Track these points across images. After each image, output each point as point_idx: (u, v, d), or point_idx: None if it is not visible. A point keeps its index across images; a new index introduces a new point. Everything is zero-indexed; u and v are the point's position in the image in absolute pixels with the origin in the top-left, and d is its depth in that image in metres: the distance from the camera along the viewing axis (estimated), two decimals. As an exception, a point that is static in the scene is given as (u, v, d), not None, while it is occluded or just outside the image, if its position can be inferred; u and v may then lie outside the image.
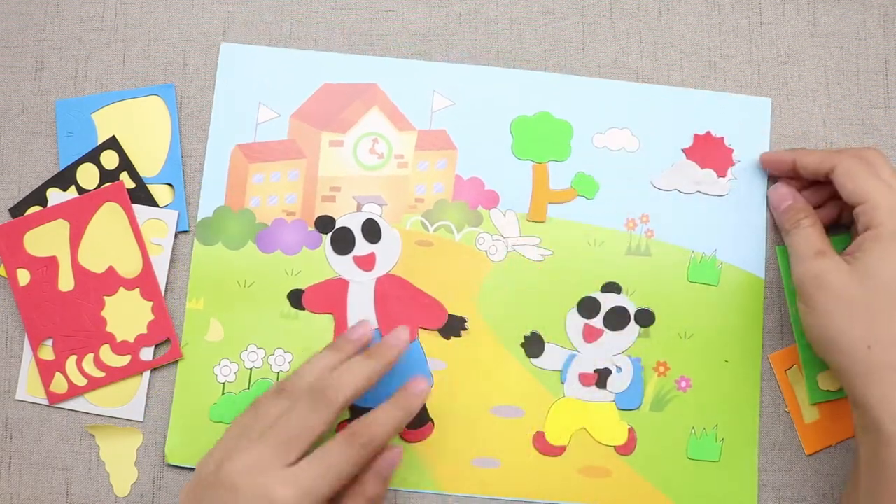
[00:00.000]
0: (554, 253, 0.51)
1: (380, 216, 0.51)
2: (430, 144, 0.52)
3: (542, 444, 0.50)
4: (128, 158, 0.51)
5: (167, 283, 0.50)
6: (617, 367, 0.50)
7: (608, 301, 0.51)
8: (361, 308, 0.50)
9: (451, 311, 0.50)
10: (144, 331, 0.49)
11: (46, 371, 0.49)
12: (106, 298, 0.49)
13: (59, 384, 0.49)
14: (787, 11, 0.54)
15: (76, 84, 0.52)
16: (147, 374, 0.49)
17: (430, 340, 0.50)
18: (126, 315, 0.49)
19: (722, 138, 0.52)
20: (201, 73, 0.52)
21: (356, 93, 0.52)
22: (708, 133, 0.52)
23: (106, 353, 0.49)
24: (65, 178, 0.50)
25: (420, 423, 0.49)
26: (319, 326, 0.50)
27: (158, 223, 0.50)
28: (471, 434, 0.50)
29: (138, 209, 0.50)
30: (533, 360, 0.50)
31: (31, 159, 0.51)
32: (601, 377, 0.50)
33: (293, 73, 0.52)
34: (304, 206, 0.51)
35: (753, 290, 0.51)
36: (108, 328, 0.49)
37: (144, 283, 0.49)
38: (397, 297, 0.50)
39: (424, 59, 0.53)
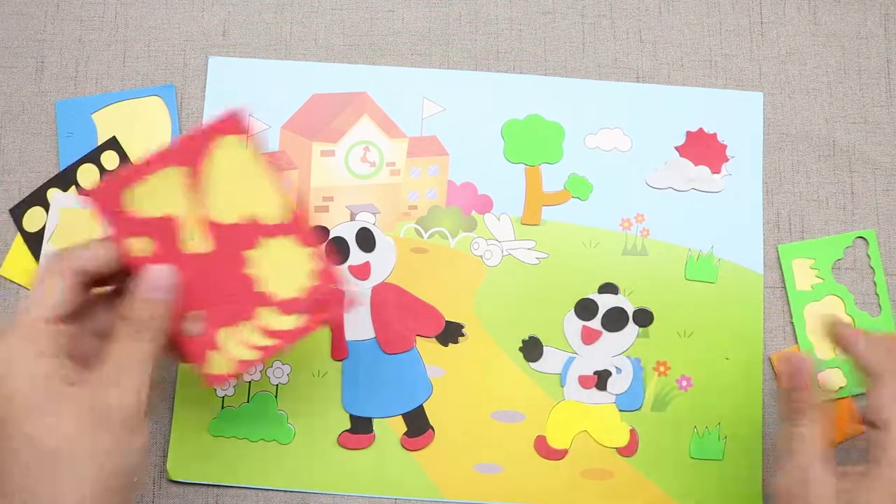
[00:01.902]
0: (549, 256, 0.51)
1: (373, 225, 0.51)
2: (421, 151, 0.52)
3: (544, 448, 0.49)
4: (128, 159, 0.51)
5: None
6: (616, 368, 0.50)
7: (606, 302, 0.51)
8: (358, 318, 0.50)
9: (448, 318, 0.50)
10: (307, 283, 0.40)
11: (197, 352, 0.40)
12: (248, 253, 0.40)
13: (218, 363, 0.40)
14: (787, 11, 0.54)
15: (76, 84, 0.52)
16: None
17: (428, 348, 0.50)
18: (280, 268, 0.40)
19: (715, 134, 0.52)
20: (201, 74, 0.52)
21: (345, 102, 0.52)
22: (700, 130, 0.52)
23: (265, 316, 0.40)
24: (65, 178, 0.51)
25: (421, 430, 0.49)
26: (317, 338, 0.50)
27: None
28: (472, 440, 0.49)
29: None
30: (532, 364, 0.50)
31: (31, 159, 0.52)
32: (601, 379, 0.50)
33: (282, 84, 0.52)
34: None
35: (752, 286, 0.51)
36: (260, 288, 0.40)
37: (295, 227, 0.40)
38: (394, 306, 0.50)
39: (424, 58, 0.52)
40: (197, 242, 0.39)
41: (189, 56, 0.53)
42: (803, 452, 0.39)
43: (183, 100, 0.52)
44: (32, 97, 0.52)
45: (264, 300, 0.40)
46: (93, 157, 0.51)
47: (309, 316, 0.40)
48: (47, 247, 0.50)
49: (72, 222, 0.50)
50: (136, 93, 0.52)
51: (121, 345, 0.36)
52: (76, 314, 0.38)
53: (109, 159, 0.51)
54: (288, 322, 0.40)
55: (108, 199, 0.38)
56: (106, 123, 0.51)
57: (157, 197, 0.38)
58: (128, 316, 0.37)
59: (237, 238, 0.39)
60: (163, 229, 0.38)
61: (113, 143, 0.51)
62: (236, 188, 0.39)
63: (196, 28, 0.53)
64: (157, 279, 0.37)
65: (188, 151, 0.39)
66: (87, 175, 0.51)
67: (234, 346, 0.40)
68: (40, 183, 0.51)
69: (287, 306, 0.40)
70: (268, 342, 0.40)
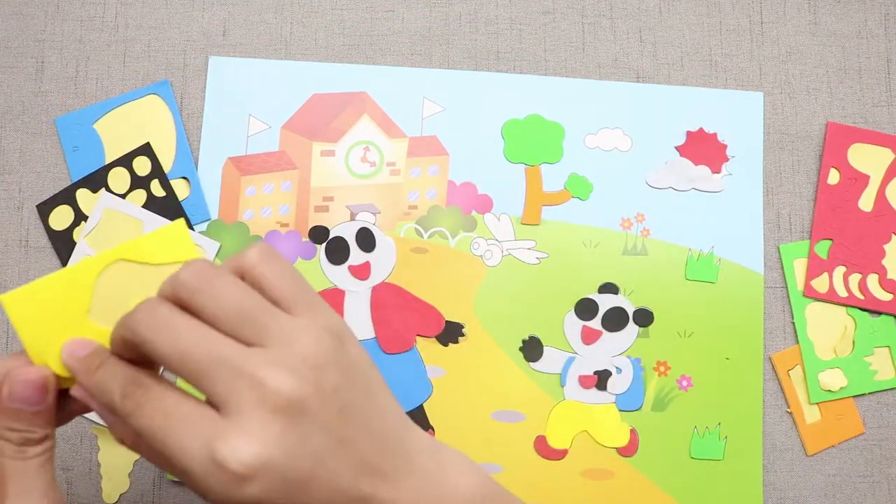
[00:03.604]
0: (549, 255, 0.51)
1: (374, 224, 0.51)
2: (421, 151, 0.52)
3: (544, 448, 0.49)
4: (160, 166, 0.51)
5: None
6: (617, 368, 0.50)
7: (606, 302, 0.51)
8: (358, 317, 0.50)
9: (448, 318, 0.50)
10: None
11: (816, 266, 0.50)
12: (894, 235, 0.50)
13: (821, 283, 0.50)
14: (787, 10, 0.54)
15: (76, 84, 0.52)
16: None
17: (428, 348, 0.50)
18: None
19: (715, 134, 0.52)
20: (201, 73, 0.52)
21: (345, 102, 0.52)
22: (701, 130, 0.52)
23: (873, 280, 0.50)
24: (95, 180, 0.51)
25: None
26: (317, 337, 0.50)
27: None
28: (472, 440, 0.49)
29: None
30: (532, 364, 0.50)
31: (31, 159, 0.51)
32: (601, 379, 0.50)
33: (282, 85, 0.52)
34: (298, 216, 0.51)
35: (752, 286, 0.51)
36: (884, 261, 0.50)
37: None
38: (394, 306, 0.50)
39: (424, 58, 0.52)
40: (869, 203, 0.49)
41: (189, 56, 0.53)
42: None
43: (183, 100, 0.52)
44: (32, 97, 0.52)
45: (881, 270, 0.50)
46: (125, 161, 0.51)
47: None
48: (82, 244, 0.50)
49: (113, 224, 0.50)
50: (132, 95, 0.52)
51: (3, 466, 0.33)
52: None
53: (141, 165, 0.51)
54: (883, 295, 0.50)
55: (842, 142, 0.46)
56: (109, 131, 0.51)
57: (867, 159, 0.49)
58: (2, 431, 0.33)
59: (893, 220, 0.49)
60: (855, 179, 0.49)
61: (146, 150, 0.51)
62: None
63: (196, 28, 0.53)
64: (18, 388, 0.32)
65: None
66: (118, 178, 0.51)
67: (838, 282, 0.49)
68: (41, 183, 0.51)
69: (888, 284, 0.50)
70: (859, 296, 0.49)
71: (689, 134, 0.52)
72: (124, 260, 0.34)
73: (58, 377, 0.33)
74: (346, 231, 0.51)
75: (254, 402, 0.29)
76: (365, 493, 0.31)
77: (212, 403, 0.30)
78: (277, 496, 0.29)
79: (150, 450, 0.34)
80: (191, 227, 0.50)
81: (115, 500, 0.49)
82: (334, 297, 0.50)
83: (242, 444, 0.29)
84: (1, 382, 0.33)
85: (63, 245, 0.50)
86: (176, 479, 0.49)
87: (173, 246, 0.35)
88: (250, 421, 0.29)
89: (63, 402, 0.34)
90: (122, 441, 0.34)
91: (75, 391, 0.33)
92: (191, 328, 0.30)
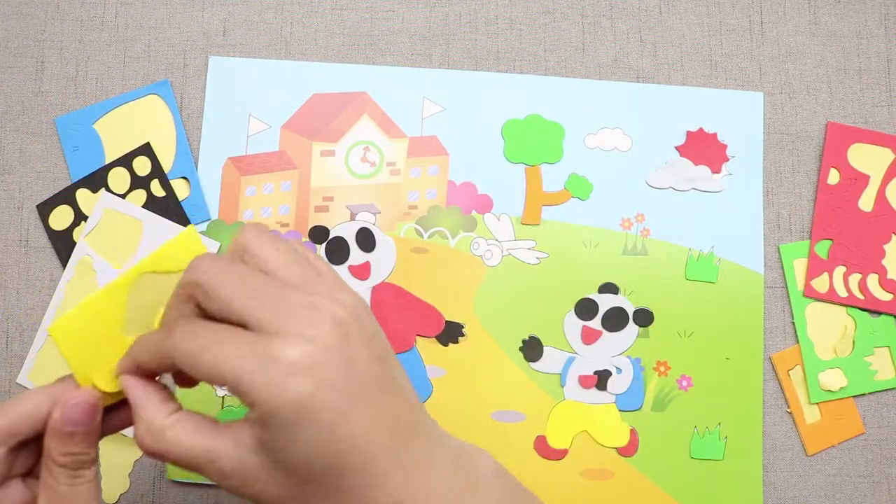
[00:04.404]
0: (549, 255, 0.51)
1: (374, 224, 0.51)
2: (421, 151, 0.52)
3: (544, 448, 0.49)
4: (160, 166, 0.51)
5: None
6: (617, 368, 0.50)
7: (606, 302, 0.51)
8: (358, 317, 0.50)
9: (448, 318, 0.50)
10: None
11: (816, 266, 0.50)
12: (894, 235, 0.50)
13: (821, 283, 0.50)
14: (787, 10, 0.54)
15: (76, 84, 0.52)
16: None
17: (428, 348, 0.50)
18: None
19: (715, 134, 0.52)
20: (201, 73, 0.52)
21: (345, 102, 0.52)
22: (701, 130, 0.52)
23: (873, 280, 0.50)
24: (95, 180, 0.51)
25: (421, 430, 0.49)
26: (317, 337, 0.50)
27: None
28: (472, 440, 0.49)
29: (175, 232, 0.50)
30: (532, 364, 0.50)
31: (31, 159, 0.52)
32: (601, 379, 0.50)
33: (282, 85, 0.52)
34: (298, 216, 0.51)
35: (752, 286, 0.51)
36: (884, 261, 0.50)
37: None
38: (394, 306, 0.50)
39: (424, 58, 0.53)
40: (869, 203, 0.49)
41: (189, 56, 0.53)
42: None
43: (183, 100, 0.52)
44: (32, 97, 0.52)
45: (880, 270, 0.50)
46: (125, 160, 0.51)
47: None
48: (82, 244, 0.50)
49: (113, 224, 0.50)
50: (132, 95, 0.52)
51: (48, 497, 0.33)
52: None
53: (141, 165, 0.51)
54: (882, 295, 0.50)
55: (841, 141, 0.46)
56: (109, 131, 0.51)
57: (866, 159, 0.50)
58: (50, 457, 0.33)
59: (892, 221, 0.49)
60: (855, 179, 0.50)
61: (146, 150, 0.51)
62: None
63: (196, 28, 0.53)
64: (70, 412, 0.33)
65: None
66: (118, 178, 0.51)
67: (838, 282, 0.49)
68: (41, 183, 0.51)
69: (888, 284, 0.50)
70: (859, 296, 0.49)
71: (689, 134, 0.52)
72: (148, 272, 0.35)
73: (102, 395, 0.34)
74: (346, 231, 0.51)
75: (309, 315, 0.30)
76: (398, 447, 0.31)
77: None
78: (325, 401, 0.29)
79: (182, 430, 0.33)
80: (191, 227, 0.51)
81: (115, 500, 0.49)
82: (334, 297, 0.50)
83: (298, 341, 0.29)
84: (50, 409, 0.34)
85: (63, 245, 0.50)
86: (177, 479, 0.49)
87: (188, 251, 0.36)
88: (306, 327, 0.30)
89: (104, 420, 0.35)
90: (143, 444, 0.33)
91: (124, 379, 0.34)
92: (244, 271, 0.32)
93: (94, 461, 0.34)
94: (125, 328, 0.35)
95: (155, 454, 0.32)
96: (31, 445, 0.35)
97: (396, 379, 0.33)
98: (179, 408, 0.33)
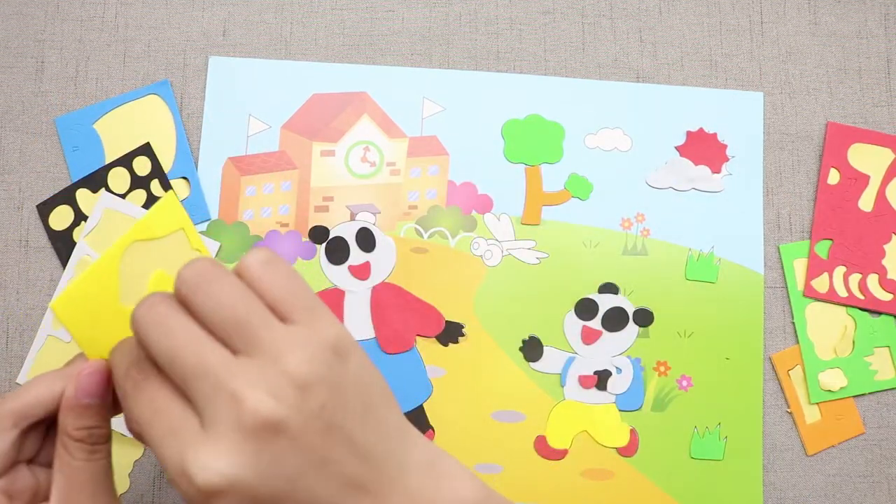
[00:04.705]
0: (549, 255, 0.51)
1: (374, 224, 0.51)
2: (421, 151, 0.52)
3: (544, 448, 0.49)
4: (160, 166, 0.51)
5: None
6: (617, 368, 0.50)
7: (606, 302, 0.51)
8: (358, 317, 0.50)
9: (448, 318, 0.50)
10: None
11: (816, 266, 0.50)
12: (894, 235, 0.51)
13: (821, 283, 0.50)
14: (787, 10, 0.54)
15: (76, 85, 0.52)
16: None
17: (428, 348, 0.50)
18: None
19: (715, 134, 0.52)
20: (201, 73, 0.52)
21: (345, 102, 0.52)
22: (701, 130, 0.52)
23: (873, 280, 0.50)
24: (95, 180, 0.51)
25: (421, 430, 0.49)
26: (317, 337, 0.50)
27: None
28: (472, 440, 0.49)
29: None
30: (532, 364, 0.50)
31: (31, 159, 0.51)
32: (601, 379, 0.50)
33: (282, 85, 0.52)
34: (298, 216, 0.51)
35: (752, 286, 0.51)
36: (884, 261, 0.50)
37: None
38: (394, 306, 0.50)
39: (424, 58, 0.53)
40: (869, 203, 0.50)
41: (189, 56, 0.53)
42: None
43: (183, 100, 0.52)
44: (32, 97, 0.52)
45: (881, 270, 0.50)
46: (125, 161, 0.51)
47: None
48: (82, 244, 0.50)
49: (113, 224, 0.50)
50: (132, 95, 0.52)
51: (65, 474, 0.33)
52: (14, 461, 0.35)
53: (141, 165, 0.51)
54: (882, 295, 0.50)
55: (840, 141, 0.47)
56: (109, 131, 0.51)
57: (867, 159, 0.50)
58: (66, 432, 0.34)
59: (878, 222, 0.49)
60: (855, 179, 0.50)
61: (146, 150, 0.51)
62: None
63: (196, 28, 0.53)
64: (85, 381, 0.34)
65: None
66: (118, 178, 0.51)
67: (838, 282, 0.49)
68: (41, 183, 0.51)
69: (888, 284, 0.50)
70: (859, 296, 0.50)
71: (689, 134, 0.52)
72: (136, 241, 0.35)
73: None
74: (346, 231, 0.51)
75: (230, 420, 0.29)
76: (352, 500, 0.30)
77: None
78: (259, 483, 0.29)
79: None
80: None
81: (115, 500, 0.49)
82: (334, 297, 0.50)
83: (212, 461, 0.28)
84: (61, 390, 0.34)
85: (63, 245, 0.50)
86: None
87: (171, 216, 0.37)
88: (223, 439, 0.29)
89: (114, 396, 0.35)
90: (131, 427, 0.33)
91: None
92: (184, 329, 0.30)
93: (109, 437, 0.35)
94: (121, 297, 0.35)
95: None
96: (38, 431, 0.36)
97: (352, 438, 0.31)
98: None
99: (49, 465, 0.36)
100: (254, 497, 0.29)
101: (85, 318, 0.35)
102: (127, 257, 0.35)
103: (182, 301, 0.31)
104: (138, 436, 0.31)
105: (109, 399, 0.34)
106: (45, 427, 0.36)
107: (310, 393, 0.30)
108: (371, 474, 0.31)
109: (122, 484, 0.49)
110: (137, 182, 0.51)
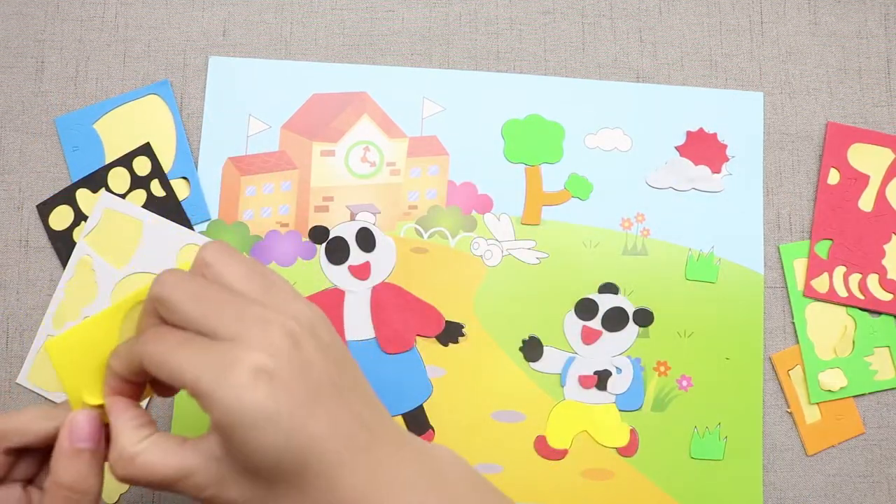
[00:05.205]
0: (549, 255, 0.51)
1: (374, 224, 0.51)
2: (421, 151, 0.52)
3: (544, 448, 0.49)
4: (160, 166, 0.51)
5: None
6: (617, 368, 0.50)
7: (606, 302, 0.51)
8: (358, 317, 0.50)
9: (448, 318, 0.50)
10: None
11: (816, 266, 0.51)
12: (894, 235, 0.51)
13: (821, 283, 0.50)
14: (787, 10, 0.54)
15: (76, 85, 0.52)
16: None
17: (428, 348, 0.50)
18: None
19: (715, 134, 0.52)
20: (201, 73, 0.52)
21: (345, 102, 0.52)
22: (701, 130, 0.52)
23: (873, 280, 0.50)
24: (95, 180, 0.51)
25: (421, 430, 0.49)
26: (317, 337, 0.50)
27: (195, 249, 0.50)
28: (472, 440, 0.49)
29: (175, 232, 0.50)
30: (532, 364, 0.50)
31: (31, 160, 0.51)
32: (601, 379, 0.50)
33: (282, 85, 0.52)
34: (298, 216, 0.51)
35: (752, 286, 0.51)
36: (884, 261, 0.50)
37: None
38: (394, 306, 0.50)
39: (424, 58, 0.53)
40: (869, 203, 0.49)
41: (189, 56, 0.53)
42: None
43: (183, 100, 0.52)
44: (32, 97, 0.52)
45: (881, 270, 0.50)
46: (125, 160, 0.51)
47: None
48: (82, 244, 0.50)
49: (113, 224, 0.50)
50: (132, 95, 0.52)
51: None
52: None
53: (141, 165, 0.51)
54: (882, 295, 0.50)
55: (840, 141, 0.48)
56: (109, 131, 0.51)
57: (867, 159, 0.50)
58: (56, 480, 0.34)
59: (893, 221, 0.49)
60: (855, 179, 0.50)
61: (146, 150, 0.51)
62: None
63: (196, 28, 0.53)
64: (79, 429, 0.34)
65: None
66: (118, 178, 0.51)
67: (838, 281, 0.49)
68: (41, 183, 0.51)
69: (888, 284, 0.50)
70: (859, 296, 0.50)
71: (689, 134, 0.52)
72: (142, 301, 0.36)
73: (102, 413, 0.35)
74: (346, 231, 0.51)
75: (261, 325, 0.32)
76: (360, 444, 0.32)
77: None
78: (281, 404, 0.30)
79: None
80: (191, 227, 0.50)
81: (115, 500, 0.49)
82: (334, 298, 0.50)
83: (252, 349, 0.31)
84: (44, 425, 0.35)
85: (63, 245, 0.50)
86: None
87: None
88: (259, 336, 0.31)
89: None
90: (114, 472, 0.33)
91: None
92: (204, 287, 0.34)
93: (98, 496, 0.35)
94: None
95: (126, 480, 0.33)
96: (34, 455, 0.36)
97: (356, 382, 0.34)
98: (153, 432, 0.33)
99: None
100: (288, 389, 0.31)
101: (75, 365, 0.35)
102: (130, 316, 0.36)
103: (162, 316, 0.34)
104: (173, 379, 0.32)
105: (101, 447, 0.35)
106: (38, 453, 0.37)
107: (316, 331, 0.34)
108: (375, 418, 0.34)
109: (121, 484, 0.49)
110: (137, 182, 0.51)
